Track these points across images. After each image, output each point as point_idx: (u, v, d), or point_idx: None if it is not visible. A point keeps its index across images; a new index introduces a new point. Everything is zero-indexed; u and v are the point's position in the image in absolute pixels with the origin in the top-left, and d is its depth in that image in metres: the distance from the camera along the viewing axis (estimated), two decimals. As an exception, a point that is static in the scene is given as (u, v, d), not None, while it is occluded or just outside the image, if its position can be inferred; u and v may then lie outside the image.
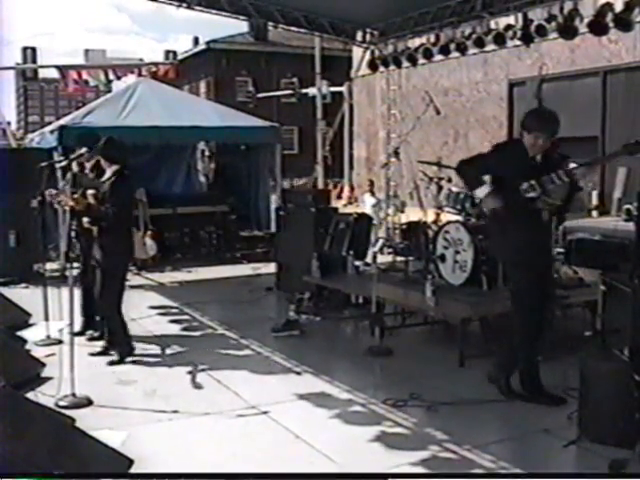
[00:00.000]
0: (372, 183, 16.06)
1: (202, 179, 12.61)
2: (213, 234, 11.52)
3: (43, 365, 5.51)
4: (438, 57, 9.60)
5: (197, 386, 5.35)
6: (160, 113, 11.13)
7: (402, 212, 11.00)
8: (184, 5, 9.17)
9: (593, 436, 4.11)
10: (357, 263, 7.82)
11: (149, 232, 10.46)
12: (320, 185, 19.89)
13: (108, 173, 5.89)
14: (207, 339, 6.67)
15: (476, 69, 15.24)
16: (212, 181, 12.50)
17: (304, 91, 26.55)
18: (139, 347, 6.36)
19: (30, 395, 4.78)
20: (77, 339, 5.29)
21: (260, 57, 31.53)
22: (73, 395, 4.83)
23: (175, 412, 4.73)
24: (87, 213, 5.70)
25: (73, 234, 5.61)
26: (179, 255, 11.15)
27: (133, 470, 3.78)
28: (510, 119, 14.84)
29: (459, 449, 4.12)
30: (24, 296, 7.79)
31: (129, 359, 5.87)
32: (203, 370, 5.67)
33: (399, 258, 8.12)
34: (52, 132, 10.61)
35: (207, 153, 12.33)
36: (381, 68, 10.76)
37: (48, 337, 6.37)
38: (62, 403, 4.77)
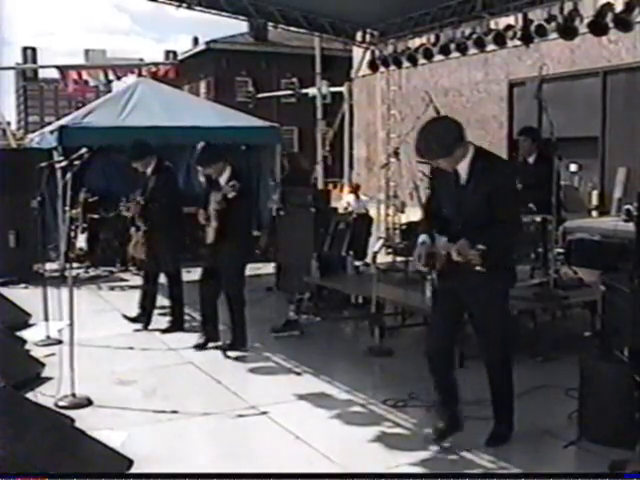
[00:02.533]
0: (358, 187, 15.99)
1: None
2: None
3: (43, 365, 5.52)
4: (438, 57, 9.61)
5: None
6: (160, 113, 11.13)
7: (402, 212, 11.00)
8: (184, 5, 9.17)
9: (593, 436, 4.11)
10: (357, 263, 7.82)
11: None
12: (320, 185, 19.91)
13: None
14: (207, 339, 6.66)
15: (476, 69, 15.25)
16: (212, 181, 12.48)
17: (304, 91, 26.57)
18: (138, 347, 6.37)
19: (30, 395, 4.78)
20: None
21: (260, 57, 31.55)
22: (73, 395, 4.83)
23: (175, 412, 4.72)
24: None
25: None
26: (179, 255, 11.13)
27: (133, 470, 3.79)
28: (510, 119, 14.86)
29: (459, 449, 4.12)
30: (24, 296, 7.80)
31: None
32: (202, 370, 5.68)
33: (399, 258, 8.11)
34: (52, 132, 10.61)
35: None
36: (381, 68, 10.77)
37: (48, 337, 6.37)
38: (62, 403, 4.77)
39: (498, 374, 4.22)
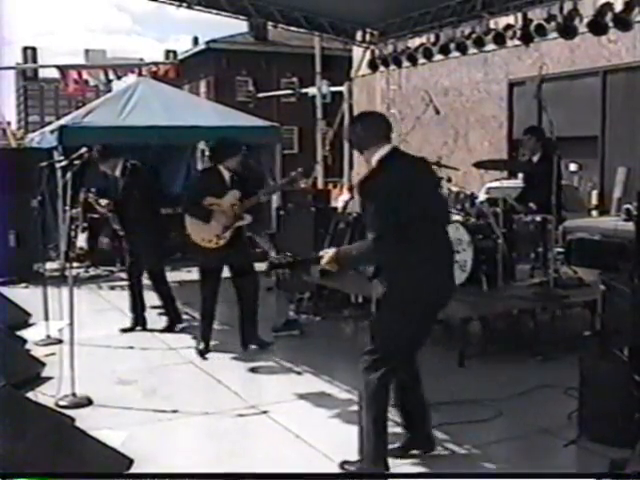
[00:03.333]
0: (351, 187, 15.99)
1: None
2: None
3: (43, 365, 5.52)
4: (438, 57, 9.60)
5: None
6: (160, 113, 11.12)
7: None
8: (184, 5, 9.16)
9: (593, 436, 4.11)
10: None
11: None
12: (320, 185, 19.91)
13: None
14: (207, 339, 6.67)
15: (476, 69, 15.24)
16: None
17: (304, 91, 26.56)
18: (138, 347, 6.38)
19: (30, 395, 4.78)
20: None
21: (260, 57, 31.53)
22: (73, 395, 4.84)
23: (175, 412, 4.72)
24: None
25: None
26: (179, 255, 11.13)
27: (133, 470, 3.79)
28: (510, 119, 14.85)
29: (459, 449, 4.12)
30: (24, 296, 7.80)
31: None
32: (203, 370, 5.68)
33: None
34: (52, 132, 10.62)
35: (207, 153, 12.33)
36: (381, 68, 10.76)
37: (48, 337, 6.37)
38: (62, 403, 4.78)
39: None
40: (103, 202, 6.91)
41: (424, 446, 4.03)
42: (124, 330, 6.98)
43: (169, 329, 6.97)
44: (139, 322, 7.07)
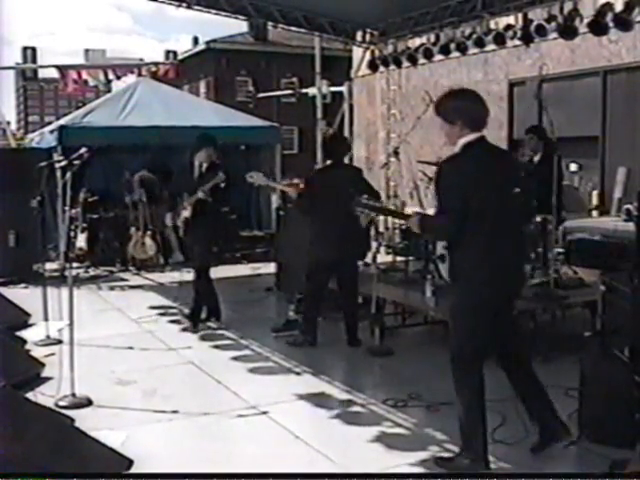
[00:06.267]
0: None
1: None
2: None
3: (43, 365, 5.51)
4: (438, 57, 9.60)
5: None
6: (160, 113, 11.13)
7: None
8: (184, 5, 9.17)
9: (593, 436, 4.11)
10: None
11: (149, 232, 10.48)
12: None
13: None
14: (207, 339, 6.67)
15: (476, 69, 15.22)
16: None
17: (304, 91, 26.52)
18: (138, 347, 6.37)
19: (30, 395, 4.77)
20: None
21: (260, 57, 31.50)
22: (73, 395, 4.83)
23: (175, 412, 4.72)
24: None
25: None
26: (179, 255, 11.14)
27: (133, 470, 3.79)
28: (510, 119, 14.82)
29: (459, 449, 4.11)
30: (24, 296, 7.79)
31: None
32: (203, 370, 5.68)
33: (399, 258, 8.11)
34: (52, 132, 10.62)
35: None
36: (381, 68, 10.76)
37: (48, 337, 6.37)
38: (62, 403, 4.77)
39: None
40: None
41: (559, 434, 4.01)
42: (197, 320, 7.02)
43: (187, 329, 6.97)
44: (214, 314, 7.15)
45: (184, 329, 6.94)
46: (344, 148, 6.86)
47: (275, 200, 11.06)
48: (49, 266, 8.52)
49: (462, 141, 3.87)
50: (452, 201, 3.75)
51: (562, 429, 4.04)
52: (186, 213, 6.84)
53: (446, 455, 4.00)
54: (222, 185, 6.59)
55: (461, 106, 3.96)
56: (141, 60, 21.32)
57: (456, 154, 3.88)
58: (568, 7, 7.66)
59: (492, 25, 8.70)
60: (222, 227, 7.52)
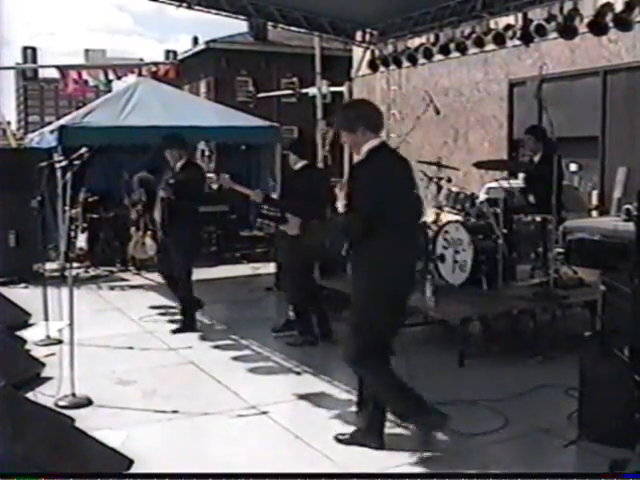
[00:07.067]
0: None
1: (211, 174, 12.58)
2: (213, 234, 11.51)
3: (43, 365, 5.52)
4: (438, 57, 9.60)
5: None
6: (160, 113, 11.11)
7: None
8: (184, 5, 9.16)
9: (593, 436, 4.11)
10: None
11: (149, 232, 10.47)
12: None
13: None
14: (207, 339, 6.67)
15: (476, 69, 15.23)
16: (212, 181, 12.48)
17: (304, 91, 26.53)
18: (138, 347, 6.37)
19: (30, 395, 4.77)
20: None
21: (260, 57, 31.49)
22: (73, 395, 4.83)
23: (175, 412, 4.72)
24: None
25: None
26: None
27: (133, 470, 3.79)
28: (510, 119, 14.84)
29: (459, 449, 4.12)
30: (24, 296, 7.80)
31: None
32: (203, 370, 5.68)
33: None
34: (52, 132, 10.61)
35: (207, 153, 12.32)
36: (381, 68, 10.76)
37: (48, 337, 6.37)
38: (62, 403, 4.77)
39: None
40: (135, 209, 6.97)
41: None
42: (174, 331, 6.85)
43: (178, 331, 6.88)
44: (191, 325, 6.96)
45: (177, 330, 6.90)
46: (313, 149, 6.96)
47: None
48: (49, 266, 8.51)
49: (366, 147, 4.05)
50: (362, 204, 3.92)
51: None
52: (156, 214, 6.78)
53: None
54: (181, 181, 6.57)
55: (361, 113, 4.12)
56: (141, 60, 21.28)
57: (363, 159, 4.06)
58: (568, 7, 7.66)
59: (492, 25, 8.70)
60: (199, 228, 7.30)
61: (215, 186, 7.01)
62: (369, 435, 4.13)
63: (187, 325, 6.90)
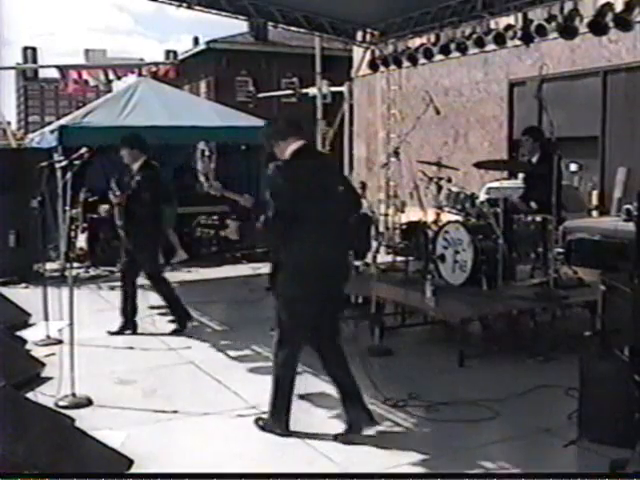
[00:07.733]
0: (364, 185, 15.82)
1: (202, 179, 12.59)
2: (213, 234, 11.50)
3: (43, 365, 5.52)
4: (438, 57, 9.60)
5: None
6: (160, 113, 11.12)
7: (402, 212, 10.99)
8: (184, 5, 9.17)
9: (593, 436, 4.11)
10: (357, 263, 7.81)
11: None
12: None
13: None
14: (207, 339, 6.67)
15: (476, 69, 15.23)
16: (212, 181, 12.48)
17: (304, 91, 26.50)
18: (138, 347, 6.37)
19: (30, 395, 4.77)
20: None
21: (260, 57, 31.49)
22: (73, 395, 4.84)
23: (175, 412, 4.73)
24: None
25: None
26: (183, 253, 11.13)
27: (133, 470, 3.79)
28: (510, 119, 14.83)
29: (459, 449, 4.12)
30: (24, 296, 7.80)
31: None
32: (203, 370, 5.68)
33: (399, 258, 8.11)
34: (52, 132, 10.61)
35: (207, 153, 12.32)
36: (381, 68, 10.76)
37: (48, 337, 6.37)
38: (62, 403, 4.78)
39: None
40: (103, 207, 6.95)
41: (364, 421, 4.27)
42: (112, 333, 6.77)
43: (179, 330, 6.89)
44: (128, 326, 6.88)
45: (177, 330, 6.90)
46: None
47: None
48: (49, 266, 8.52)
49: (290, 149, 4.24)
50: (279, 203, 4.06)
51: (367, 417, 4.30)
52: (117, 221, 6.82)
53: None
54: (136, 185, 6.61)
55: (289, 119, 4.41)
56: (141, 60, 21.32)
57: (286, 160, 4.24)
58: (568, 7, 7.66)
59: (492, 25, 8.70)
60: (158, 229, 7.15)
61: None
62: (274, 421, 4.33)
63: (182, 320, 6.93)
